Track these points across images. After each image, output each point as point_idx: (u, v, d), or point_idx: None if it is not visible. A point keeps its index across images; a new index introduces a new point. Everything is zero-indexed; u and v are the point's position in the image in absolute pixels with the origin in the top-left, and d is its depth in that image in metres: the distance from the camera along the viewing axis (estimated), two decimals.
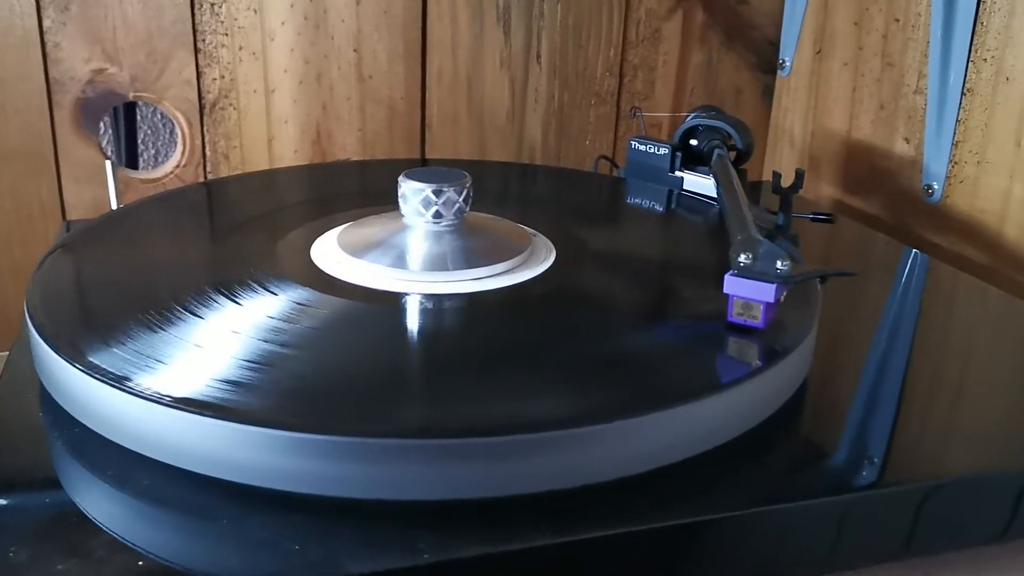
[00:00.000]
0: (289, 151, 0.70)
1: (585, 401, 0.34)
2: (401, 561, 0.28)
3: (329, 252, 0.45)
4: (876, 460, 0.36)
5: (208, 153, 0.69)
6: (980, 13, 0.58)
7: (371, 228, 0.46)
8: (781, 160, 0.79)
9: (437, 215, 0.44)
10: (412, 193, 0.44)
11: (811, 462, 0.37)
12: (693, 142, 0.60)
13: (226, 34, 0.66)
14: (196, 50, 0.66)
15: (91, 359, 0.34)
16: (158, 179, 0.69)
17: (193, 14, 0.65)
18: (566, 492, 0.32)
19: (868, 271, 0.58)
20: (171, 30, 0.65)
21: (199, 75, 0.67)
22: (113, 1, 0.64)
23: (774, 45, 0.79)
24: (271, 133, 0.70)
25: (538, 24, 0.73)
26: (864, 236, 0.63)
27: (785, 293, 0.39)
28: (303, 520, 0.30)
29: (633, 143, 0.60)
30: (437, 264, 0.43)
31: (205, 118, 0.68)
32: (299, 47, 0.68)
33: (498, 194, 0.58)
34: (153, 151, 0.82)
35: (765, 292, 0.37)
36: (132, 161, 0.75)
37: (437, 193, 0.43)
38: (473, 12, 0.71)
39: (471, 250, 0.44)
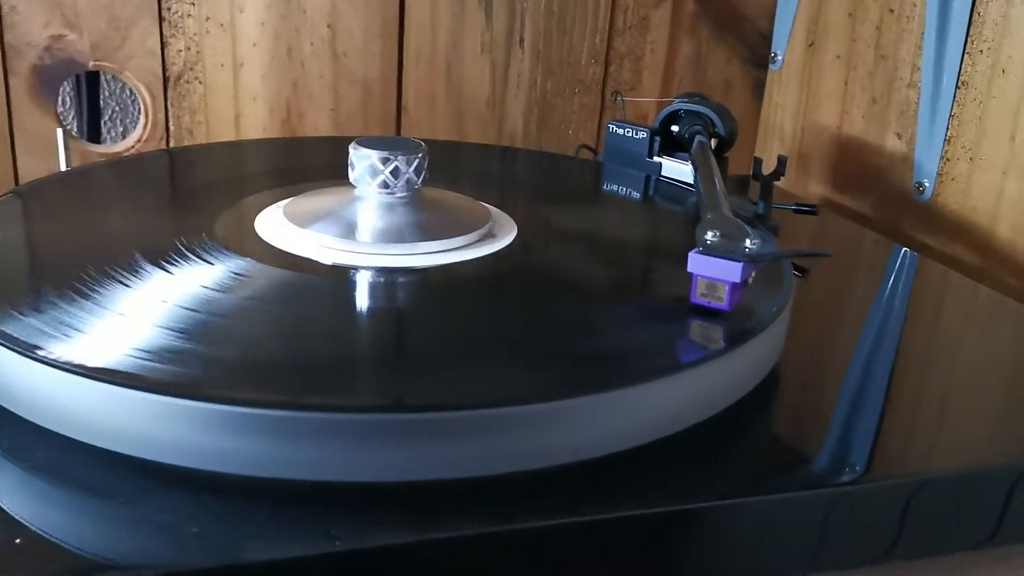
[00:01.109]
0: (257, 129, 0.67)
1: (525, 380, 0.31)
2: (308, 548, 0.25)
3: (274, 223, 0.42)
4: (857, 454, 0.33)
5: (172, 128, 0.66)
6: (977, 3, 0.56)
7: (320, 199, 0.43)
8: (771, 156, 0.76)
9: (384, 184, 0.41)
10: (359, 160, 0.41)
11: (784, 454, 0.34)
12: (675, 128, 0.57)
13: (193, 3, 0.64)
14: (160, 19, 0.64)
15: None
16: (118, 153, 0.66)
17: None
18: (500, 478, 0.29)
19: (855, 268, 0.55)
20: None
21: (163, 45, 0.64)
22: None
23: (766, 38, 0.76)
24: (238, 110, 0.67)
25: (521, 6, 0.70)
26: (852, 232, 0.60)
27: (753, 274, 0.36)
28: (209, 501, 0.27)
29: (611, 126, 0.57)
30: (384, 236, 0.40)
31: (169, 91, 0.65)
32: (270, 20, 0.65)
33: (467, 174, 0.56)
34: (121, 128, 0.79)
35: (731, 271, 0.35)
36: (95, 135, 0.72)
37: (385, 161, 0.41)
38: None
39: (422, 224, 0.41)
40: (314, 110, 0.68)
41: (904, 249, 0.55)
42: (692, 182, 0.54)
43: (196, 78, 0.65)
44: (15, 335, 0.30)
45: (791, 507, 0.31)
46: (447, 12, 0.69)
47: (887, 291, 0.51)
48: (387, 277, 0.38)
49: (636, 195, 0.54)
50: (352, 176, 0.41)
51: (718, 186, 0.43)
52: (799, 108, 0.73)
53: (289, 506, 0.27)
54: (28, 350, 0.29)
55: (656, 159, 0.55)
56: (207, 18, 0.64)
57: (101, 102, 0.76)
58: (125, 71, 0.64)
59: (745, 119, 0.77)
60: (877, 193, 0.65)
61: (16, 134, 0.63)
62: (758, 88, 0.77)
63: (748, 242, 0.36)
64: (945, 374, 0.41)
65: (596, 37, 0.72)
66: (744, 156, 0.78)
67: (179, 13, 0.64)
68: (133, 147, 0.66)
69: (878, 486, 0.32)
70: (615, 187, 0.55)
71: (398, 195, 0.41)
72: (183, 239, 0.39)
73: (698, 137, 0.54)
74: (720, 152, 0.56)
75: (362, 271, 0.38)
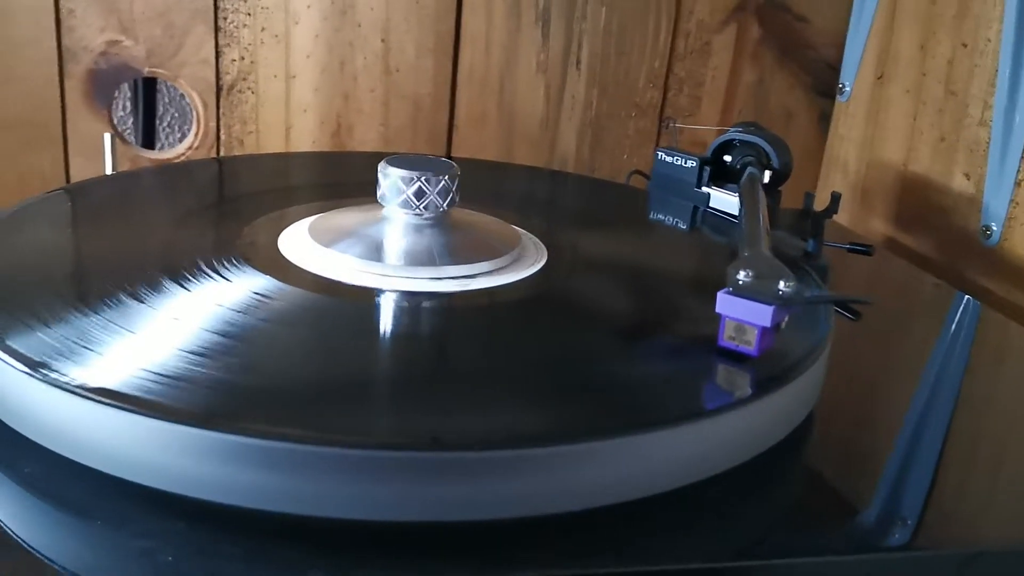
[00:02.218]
0: (307, 141, 0.67)
1: (530, 421, 0.29)
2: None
3: (299, 240, 0.41)
4: (902, 518, 0.31)
5: (223, 137, 0.66)
6: None
7: (346, 217, 0.42)
8: (832, 189, 0.74)
9: (409, 204, 0.40)
10: (387, 178, 0.40)
11: (811, 512, 0.32)
12: (727, 158, 0.55)
13: (249, 14, 0.64)
14: (216, 28, 0.64)
15: None
16: (168, 160, 0.66)
17: None
18: (501, 523, 0.27)
19: (912, 313, 0.52)
20: (190, 5, 0.63)
21: (218, 55, 0.64)
22: None
23: (833, 68, 0.73)
24: (289, 121, 0.66)
25: (580, 26, 0.69)
26: (911, 275, 0.57)
27: (786, 319, 0.34)
28: (187, 529, 0.26)
29: (660, 154, 0.55)
30: (406, 258, 0.39)
31: (221, 100, 0.65)
32: (324, 33, 0.65)
33: (509, 196, 0.54)
34: (179, 134, 0.79)
35: (761, 315, 0.32)
36: (149, 140, 0.73)
37: (410, 181, 0.39)
38: (510, 8, 0.67)
39: (446, 247, 0.40)
40: (364, 124, 0.67)
41: (966, 296, 0.52)
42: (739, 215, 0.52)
43: (249, 88, 0.65)
44: (17, 348, 0.30)
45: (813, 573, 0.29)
46: (503, 30, 0.68)
47: (946, 340, 0.48)
48: (406, 301, 0.37)
49: (680, 226, 0.52)
50: (380, 195, 0.40)
51: (761, 222, 0.41)
52: (864, 142, 0.70)
53: (264, 540, 0.26)
54: (30, 367, 0.29)
55: (704, 189, 0.53)
56: (262, 28, 0.64)
57: (160, 108, 0.77)
58: (179, 78, 0.64)
59: (808, 150, 0.75)
60: (941, 235, 0.62)
61: (69, 136, 0.64)
62: (823, 119, 0.75)
63: (782, 284, 0.33)
64: (1005, 434, 0.38)
65: (655, 61, 0.71)
66: (806, 187, 0.76)
67: (235, 23, 0.64)
68: (184, 154, 0.66)
69: (923, 555, 0.30)
70: (659, 216, 0.53)
71: (425, 216, 0.40)
72: (205, 253, 0.38)
73: (749, 169, 0.51)
74: (773, 185, 0.53)
75: (380, 293, 0.37)
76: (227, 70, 0.65)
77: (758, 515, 0.30)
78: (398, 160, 0.41)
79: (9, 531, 0.26)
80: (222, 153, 0.66)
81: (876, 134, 0.69)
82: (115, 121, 0.67)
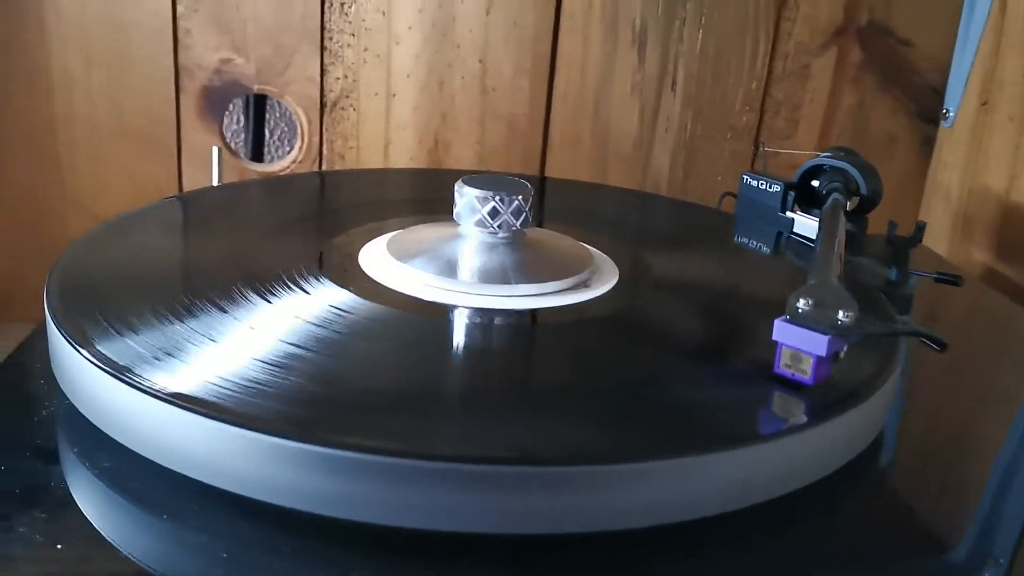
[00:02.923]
0: (405, 158, 0.69)
1: (577, 439, 0.30)
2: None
3: (378, 255, 0.42)
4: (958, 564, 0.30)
5: (325, 152, 0.69)
6: None
7: (424, 234, 0.44)
8: (934, 217, 0.72)
9: (482, 223, 0.41)
10: (463, 198, 0.41)
11: (862, 543, 0.31)
12: (815, 184, 0.54)
13: (353, 34, 0.66)
14: (322, 48, 0.67)
15: (78, 335, 0.33)
16: (273, 172, 0.69)
17: (323, 12, 0.66)
18: (550, 538, 0.28)
19: (1006, 349, 0.51)
20: (299, 26, 0.66)
21: (323, 73, 0.67)
22: None
23: (937, 93, 0.71)
24: (388, 137, 0.69)
25: (676, 48, 0.69)
26: (1007, 310, 0.55)
27: (845, 349, 0.34)
28: (248, 528, 0.28)
29: (745, 177, 0.55)
30: (481, 276, 0.40)
31: (325, 116, 0.68)
32: (424, 53, 0.67)
33: (595, 217, 0.55)
34: (288, 148, 0.83)
35: (816, 344, 0.32)
36: (258, 154, 0.76)
37: (484, 200, 0.41)
38: (607, 30, 0.68)
39: (518, 265, 0.41)
40: (460, 143, 0.69)
41: None
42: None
43: (351, 105, 0.68)
44: (105, 352, 0.32)
45: None
46: (599, 52, 0.68)
47: None
48: (477, 317, 0.38)
49: (762, 250, 0.52)
50: (455, 213, 0.42)
51: (836, 250, 0.41)
52: (967, 169, 0.68)
53: (317, 542, 0.28)
54: (117, 371, 0.31)
55: (788, 214, 0.53)
56: (365, 48, 0.67)
57: (271, 122, 0.80)
58: (285, 95, 0.67)
59: (911, 176, 0.73)
60: None
61: (183, 149, 0.68)
62: (926, 145, 0.73)
63: (842, 314, 0.33)
64: None
65: (752, 83, 0.70)
66: (908, 214, 0.74)
67: (339, 43, 0.66)
68: (288, 168, 0.69)
69: None
70: (742, 240, 0.53)
71: (500, 235, 0.41)
72: (287, 266, 0.40)
73: (834, 195, 0.51)
74: (861, 212, 0.53)
75: (452, 309, 0.38)
76: (331, 88, 0.67)
77: (799, 544, 0.31)
78: (474, 179, 0.42)
79: (87, 517, 0.28)
80: (324, 167, 0.69)
81: (979, 161, 0.67)
82: (227, 135, 0.70)
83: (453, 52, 0.67)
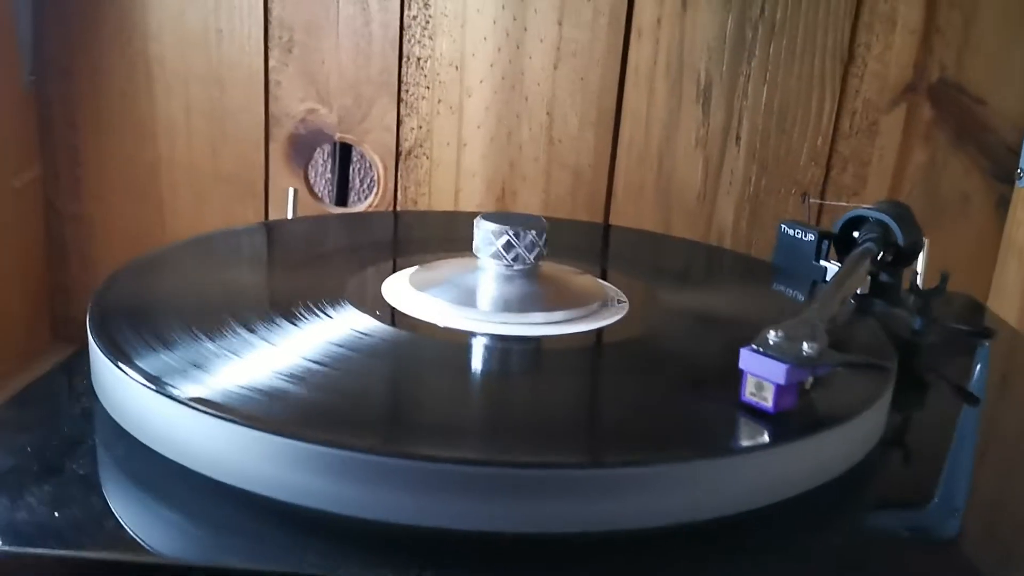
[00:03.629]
0: (473, 204, 0.73)
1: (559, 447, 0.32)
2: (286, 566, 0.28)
3: (399, 287, 0.45)
4: None
5: (399, 197, 0.73)
6: None
7: (446, 267, 0.47)
8: (1008, 278, 0.70)
9: (498, 255, 0.43)
10: (480, 231, 0.44)
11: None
12: (856, 235, 0.54)
13: (428, 87, 0.70)
14: (399, 100, 0.71)
15: (107, 346, 0.36)
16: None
17: (400, 66, 0.70)
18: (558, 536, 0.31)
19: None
20: (377, 79, 0.70)
21: (399, 123, 0.71)
22: (330, 47, 0.70)
23: (1013, 152, 0.70)
24: (459, 185, 0.72)
25: (740, 104, 0.70)
26: None
27: (811, 380, 0.34)
28: (275, 528, 0.31)
29: (783, 226, 0.56)
30: (494, 305, 0.42)
31: (400, 164, 0.72)
32: (494, 106, 0.71)
33: (625, 258, 0.57)
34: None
35: (776, 372, 0.33)
36: (343, 199, 0.81)
37: (499, 234, 0.43)
38: (672, 86, 0.70)
39: (528, 296, 0.43)
40: (527, 190, 0.72)
41: None
42: (857, 292, 0.52)
43: (424, 154, 0.72)
44: (143, 366, 0.35)
45: None
46: (664, 106, 0.70)
47: None
48: (487, 341, 0.40)
49: (792, 295, 0.52)
50: (474, 246, 0.44)
51: (839, 292, 0.41)
52: None
53: (304, 530, 0.30)
54: (152, 382, 0.34)
55: (823, 263, 0.53)
56: (439, 100, 0.71)
57: (360, 170, 0.85)
58: (364, 143, 0.72)
59: (985, 235, 0.72)
60: None
61: (270, 192, 0.73)
62: (1002, 205, 0.72)
63: (806, 346, 0.34)
64: None
65: (818, 139, 0.71)
66: (983, 275, 0.72)
67: (415, 95, 0.71)
68: (365, 211, 0.73)
69: None
70: (778, 288, 0.53)
71: (513, 267, 0.44)
72: (315, 294, 0.43)
73: (867, 244, 0.51)
74: (896, 264, 0.52)
75: (471, 335, 0.41)
76: (406, 137, 0.72)
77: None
78: (493, 216, 0.45)
79: (116, 516, 0.31)
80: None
81: None
82: (312, 180, 0.75)
83: (522, 104, 0.71)
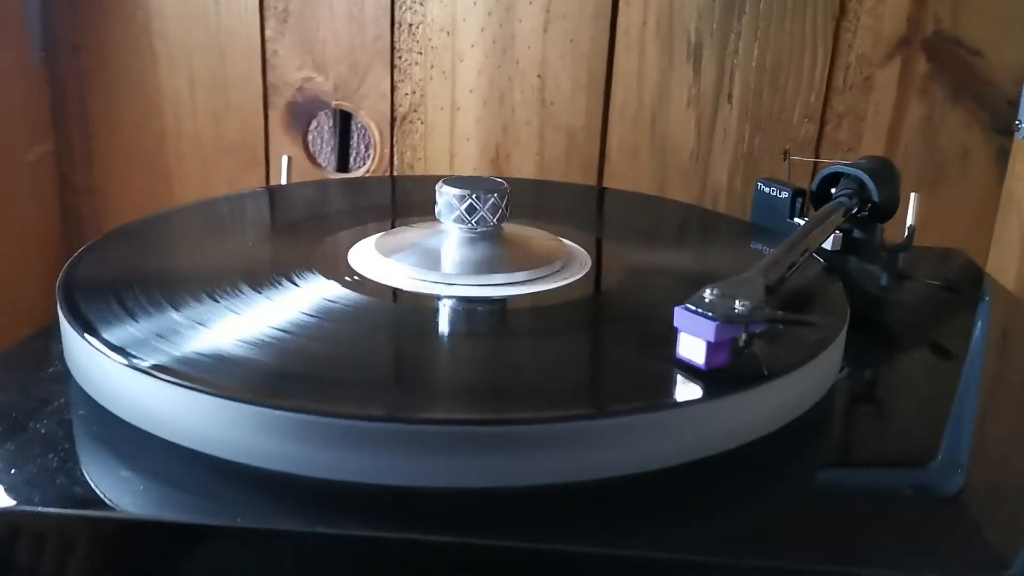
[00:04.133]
0: (468, 168, 0.74)
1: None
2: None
3: (365, 253, 0.47)
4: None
5: (395, 162, 0.74)
6: None
7: (411, 232, 0.48)
8: (1008, 231, 0.69)
9: (460, 219, 0.44)
10: (442, 196, 0.45)
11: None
12: (833, 191, 0.55)
13: (420, 52, 0.71)
14: (392, 66, 0.72)
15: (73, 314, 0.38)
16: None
17: (393, 33, 0.71)
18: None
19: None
20: (372, 46, 0.71)
21: (393, 89, 0.72)
22: (325, 16, 0.71)
23: (1013, 104, 0.69)
24: (453, 149, 0.73)
25: (732, 62, 0.70)
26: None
27: (743, 337, 0.35)
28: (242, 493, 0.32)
29: (759, 184, 0.56)
30: (457, 267, 0.44)
31: (395, 130, 0.73)
32: (486, 69, 0.71)
33: (591, 216, 0.58)
34: None
35: (705, 330, 0.34)
36: (344, 165, 0.82)
37: (461, 198, 0.44)
38: (662, 46, 0.70)
39: (490, 258, 0.44)
40: (520, 153, 0.73)
41: None
42: (829, 249, 0.52)
43: (419, 119, 0.73)
44: (103, 333, 0.37)
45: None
46: (655, 66, 0.71)
47: None
48: (445, 303, 0.42)
49: (763, 255, 0.52)
50: (436, 211, 0.45)
51: (791, 250, 0.42)
52: None
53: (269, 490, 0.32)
54: (105, 346, 0.36)
55: (797, 220, 0.53)
56: (432, 66, 0.72)
57: (360, 136, 0.86)
58: (360, 110, 0.73)
59: (986, 189, 0.71)
60: None
61: (271, 160, 0.75)
62: (1003, 157, 0.71)
63: (738, 304, 0.35)
64: None
65: (811, 95, 0.70)
66: (983, 229, 0.72)
67: (408, 61, 0.72)
68: (362, 177, 0.75)
69: None
70: (755, 247, 0.54)
71: (475, 229, 0.45)
72: (282, 263, 0.45)
73: (839, 199, 0.51)
74: (872, 220, 0.52)
75: (434, 298, 0.42)
76: (400, 103, 0.73)
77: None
78: (455, 180, 0.46)
79: (75, 473, 0.33)
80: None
81: None
82: (315, 147, 0.77)
83: (513, 68, 0.71)
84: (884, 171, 0.54)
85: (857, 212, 0.52)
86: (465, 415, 0.33)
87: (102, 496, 0.32)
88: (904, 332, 0.49)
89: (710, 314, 0.34)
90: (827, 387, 0.40)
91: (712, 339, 0.34)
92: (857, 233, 0.53)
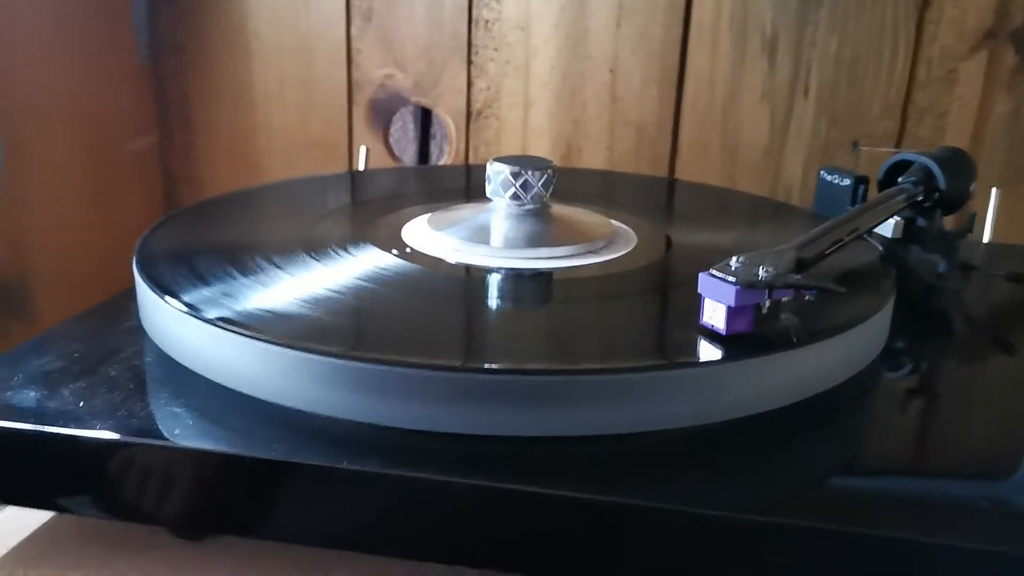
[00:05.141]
0: None
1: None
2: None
3: (418, 228, 0.48)
4: None
5: (470, 157, 0.76)
6: None
7: (463, 210, 0.49)
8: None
9: (515, 196, 0.46)
10: (494, 174, 0.46)
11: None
12: (900, 180, 0.53)
13: (496, 49, 0.73)
14: (469, 62, 0.74)
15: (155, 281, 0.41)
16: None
17: (469, 30, 0.73)
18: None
19: None
20: (449, 43, 0.74)
21: (469, 85, 0.74)
22: (405, 14, 0.74)
23: None
24: (526, 145, 0.75)
25: (808, 55, 0.69)
26: None
27: (768, 303, 0.35)
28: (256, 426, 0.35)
29: (822, 173, 0.55)
30: (505, 241, 0.45)
31: (471, 124, 0.75)
32: (559, 65, 0.72)
33: (645, 202, 0.58)
34: None
35: (726, 294, 0.34)
36: (424, 159, 0.85)
37: (515, 175, 0.45)
38: (736, 40, 0.70)
39: (535, 233, 0.45)
40: (591, 148, 0.74)
41: None
42: (890, 237, 0.51)
43: (493, 114, 0.75)
44: (171, 287, 0.40)
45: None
46: (728, 60, 0.70)
47: None
48: (489, 273, 0.43)
49: None
50: (488, 189, 0.47)
51: (837, 228, 0.42)
52: None
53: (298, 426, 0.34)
54: (175, 299, 0.38)
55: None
56: (506, 62, 0.73)
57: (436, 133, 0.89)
58: (437, 106, 0.75)
59: None
60: None
61: (353, 154, 0.77)
62: None
63: (761, 270, 0.35)
64: None
65: (891, 90, 0.69)
66: None
67: (484, 57, 0.73)
68: None
69: None
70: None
71: (524, 206, 0.46)
72: (341, 236, 0.47)
73: (903, 185, 0.50)
74: (937, 209, 0.51)
75: (473, 268, 0.44)
76: (476, 98, 0.74)
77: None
78: (505, 159, 0.47)
79: (130, 408, 0.36)
80: None
81: None
82: (393, 142, 0.79)
83: (585, 63, 0.72)
84: (955, 161, 0.53)
85: (923, 201, 0.51)
86: (538, 366, 0.34)
87: (150, 429, 0.34)
88: (958, 320, 0.48)
89: (732, 279, 0.34)
90: (861, 365, 0.40)
91: (732, 303, 0.34)
92: (920, 222, 0.52)
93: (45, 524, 0.39)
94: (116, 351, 0.40)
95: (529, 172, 0.46)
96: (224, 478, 0.33)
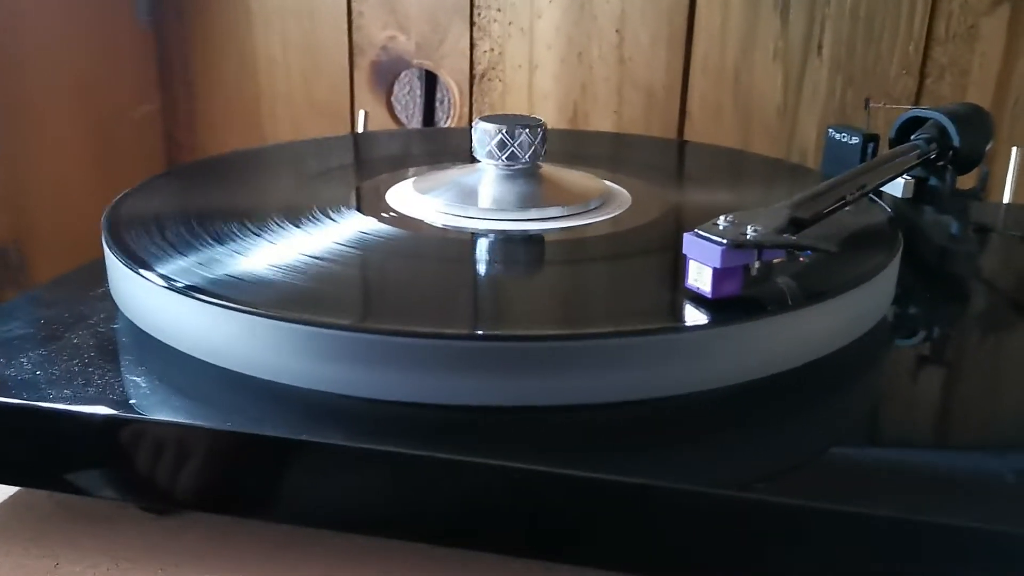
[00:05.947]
0: None
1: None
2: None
3: (403, 191, 0.47)
4: None
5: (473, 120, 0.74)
6: None
7: (449, 171, 0.48)
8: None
9: (493, 154, 0.44)
10: (479, 132, 0.44)
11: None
12: (913, 137, 0.51)
13: (499, 9, 0.71)
14: (472, 23, 0.72)
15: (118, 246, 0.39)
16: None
17: None
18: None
19: None
20: (452, 4, 0.72)
21: (472, 47, 0.72)
22: None
23: None
24: (531, 108, 0.73)
25: (823, 12, 0.67)
26: None
27: (757, 265, 0.33)
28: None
29: (830, 131, 0.53)
30: (491, 203, 0.43)
31: (474, 87, 0.73)
32: (564, 26, 0.70)
33: (642, 163, 0.56)
34: None
35: (711, 255, 0.32)
36: (430, 121, 0.83)
37: (493, 133, 0.43)
38: None
39: (524, 194, 0.44)
40: (598, 112, 0.72)
41: None
42: (900, 196, 0.49)
43: (497, 77, 0.73)
44: (138, 253, 0.38)
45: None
46: (739, 18, 0.68)
47: None
48: (474, 236, 0.42)
49: None
50: (474, 148, 0.45)
51: (839, 186, 0.39)
52: None
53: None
54: (141, 266, 0.37)
55: None
56: (510, 23, 0.71)
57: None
58: (440, 68, 0.73)
59: None
60: None
61: (355, 117, 0.76)
62: None
63: (749, 229, 0.33)
64: None
65: (909, 46, 0.66)
66: None
67: (487, 18, 0.71)
68: None
69: None
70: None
71: (513, 166, 0.44)
72: (323, 200, 0.45)
73: (915, 142, 0.48)
74: (950, 168, 0.48)
75: (447, 229, 0.42)
76: (479, 60, 0.72)
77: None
78: (491, 117, 0.45)
79: (87, 377, 0.34)
80: None
81: None
82: (397, 105, 0.78)
83: (591, 24, 0.70)
84: (971, 118, 0.50)
85: (936, 159, 0.49)
86: (538, 331, 0.32)
87: (110, 400, 0.33)
88: (972, 284, 0.46)
89: (718, 239, 0.33)
90: (869, 325, 0.38)
91: (718, 265, 0.32)
92: (933, 181, 0.50)
93: (7, 499, 0.38)
94: (82, 317, 0.39)
95: (506, 132, 0.44)
96: (183, 451, 0.32)
